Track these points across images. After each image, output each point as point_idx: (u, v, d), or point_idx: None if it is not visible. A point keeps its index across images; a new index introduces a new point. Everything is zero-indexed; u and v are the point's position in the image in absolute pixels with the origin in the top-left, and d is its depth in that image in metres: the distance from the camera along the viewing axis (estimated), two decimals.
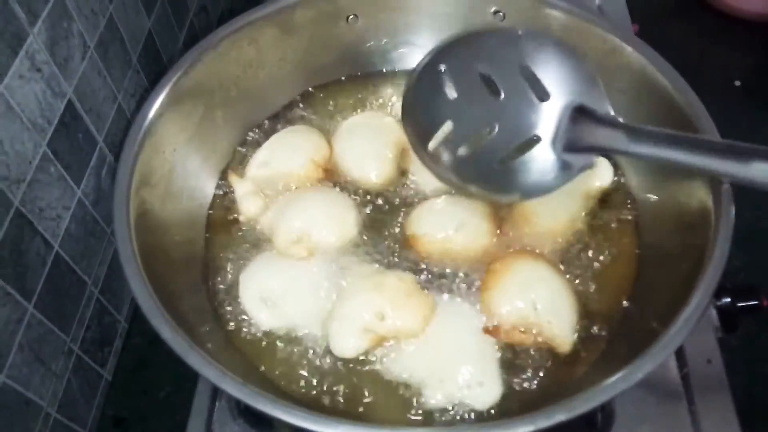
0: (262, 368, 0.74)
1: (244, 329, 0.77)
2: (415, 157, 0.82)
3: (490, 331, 0.74)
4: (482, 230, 0.81)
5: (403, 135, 0.90)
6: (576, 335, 0.74)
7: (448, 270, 0.80)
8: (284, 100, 0.97)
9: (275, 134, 0.92)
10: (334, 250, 0.81)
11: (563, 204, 0.83)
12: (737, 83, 1.36)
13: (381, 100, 0.98)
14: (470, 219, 0.81)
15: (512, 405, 0.70)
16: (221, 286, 0.81)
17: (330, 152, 0.91)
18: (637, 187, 0.86)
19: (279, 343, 0.76)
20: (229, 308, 0.79)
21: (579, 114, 0.70)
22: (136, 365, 1.02)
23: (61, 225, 0.87)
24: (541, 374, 0.72)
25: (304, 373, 0.74)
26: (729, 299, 0.83)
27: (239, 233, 0.85)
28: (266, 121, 0.96)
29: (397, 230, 0.83)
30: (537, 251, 0.81)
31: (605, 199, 0.86)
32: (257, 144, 0.93)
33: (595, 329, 0.75)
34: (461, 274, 0.79)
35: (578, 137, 0.69)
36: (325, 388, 0.73)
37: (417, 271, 0.80)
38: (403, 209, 0.86)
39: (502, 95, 0.73)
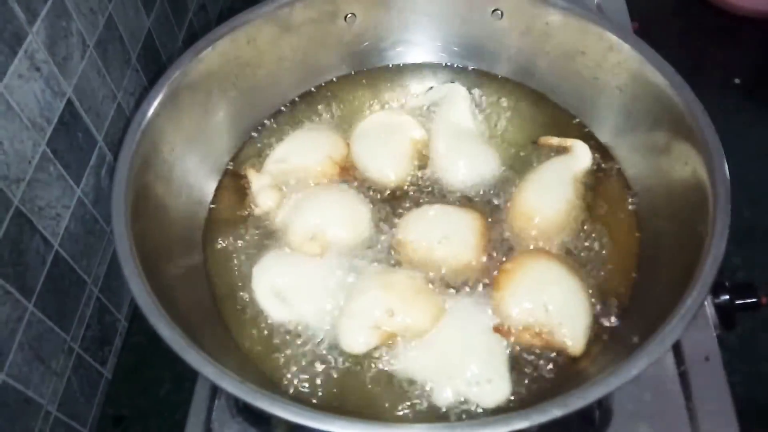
0: (265, 366, 0.74)
1: (247, 327, 0.78)
2: (433, 154, 0.85)
3: (501, 330, 0.74)
4: (467, 245, 0.80)
5: (419, 132, 0.92)
6: (587, 337, 0.74)
7: (479, 268, 0.80)
8: (284, 99, 0.97)
9: (293, 132, 0.93)
10: (347, 248, 0.82)
11: (558, 193, 0.83)
12: (737, 81, 1.36)
13: (383, 97, 0.98)
14: (456, 233, 0.81)
15: (521, 403, 0.70)
16: (222, 284, 0.81)
17: (347, 151, 0.92)
18: (633, 176, 0.86)
19: (287, 338, 0.76)
20: (230, 305, 0.79)
21: None
22: (137, 364, 1.02)
23: (61, 224, 0.87)
24: (551, 372, 0.73)
25: (313, 369, 0.74)
26: (727, 297, 0.83)
27: (240, 232, 0.85)
28: (266, 121, 0.96)
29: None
30: (547, 248, 0.81)
31: (602, 189, 0.86)
32: (258, 144, 0.94)
33: (601, 320, 0.76)
34: (474, 274, 0.79)
35: None
36: (333, 384, 0.73)
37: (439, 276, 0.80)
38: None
39: None
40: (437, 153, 0.91)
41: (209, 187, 0.89)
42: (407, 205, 0.87)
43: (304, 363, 0.74)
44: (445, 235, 0.80)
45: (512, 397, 0.71)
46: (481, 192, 0.87)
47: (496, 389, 0.71)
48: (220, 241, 0.84)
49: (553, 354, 0.74)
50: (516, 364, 0.73)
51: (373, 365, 0.74)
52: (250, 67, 0.88)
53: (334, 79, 0.99)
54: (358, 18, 0.93)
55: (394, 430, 0.62)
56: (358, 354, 0.74)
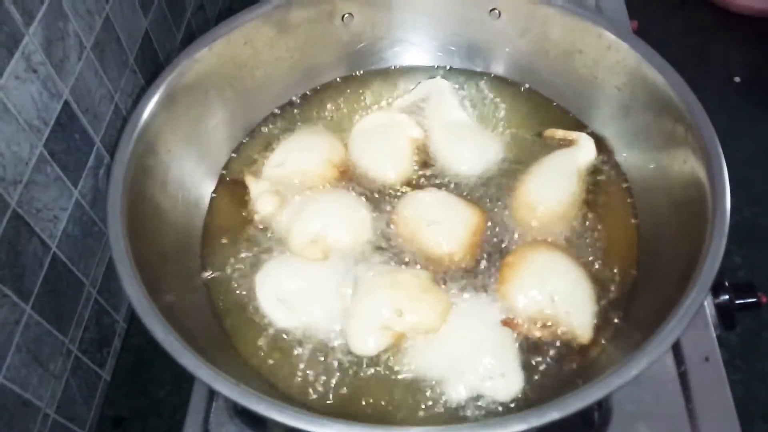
0: (272, 374, 0.74)
1: (251, 335, 0.77)
2: (434, 148, 0.87)
3: (509, 323, 0.74)
4: (454, 236, 0.80)
5: (416, 130, 0.92)
6: (594, 325, 0.74)
7: (463, 266, 0.80)
8: (281, 101, 0.96)
9: (290, 135, 0.93)
10: (350, 250, 0.81)
11: (562, 185, 0.84)
12: (737, 79, 1.36)
13: (380, 99, 0.98)
14: (448, 221, 0.81)
15: (535, 394, 0.71)
16: (222, 294, 0.80)
17: (345, 153, 0.92)
18: (632, 174, 0.86)
19: (294, 345, 0.76)
20: (232, 315, 0.79)
21: None
22: (135, 365, 1.02)
23: (59, 226, 0.87)
24: (562, 362, 0.73)
25: (323, 374, 0.74)
26: (727, 296, 0.83)
27: (239, 237, 0.84)
28: (263, 126, 0.95)
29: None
30: (549, 240, 0.81)
31: (602, 187, 0.86)
32: (257, 147, 0.93)
33: (607, 308, 0.76)
34: (477, 269, 0.80)
35: None
36: (344, 388, 0.73)
37: (431, 268, 0.80)
38: None
39: None
40: (437, 147, 0.91)
41: (206, 189, 0.88)
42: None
43: (313, 369, 0.74)
44: (435, 220, 0.81)
45: (525, 388, 0.71)
46: (490, 182, 0.88)
47: (510, 382, 0.71)
48: (219, 248, 0.84)
49: (563, 344, 0.74)
50: (526, 356, 0.73)
51: (384, 367, 0.74)
52: (247, 68, 0.88)
53: (333, 80, 0.98)
54: (356, 18, 0.92)
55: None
56: (368, 356, 0.74)
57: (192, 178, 0.84)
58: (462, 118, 0.93)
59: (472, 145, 0.90)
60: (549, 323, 0.74)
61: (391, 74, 0.99)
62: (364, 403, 0.72)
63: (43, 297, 0.83)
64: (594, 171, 0.87)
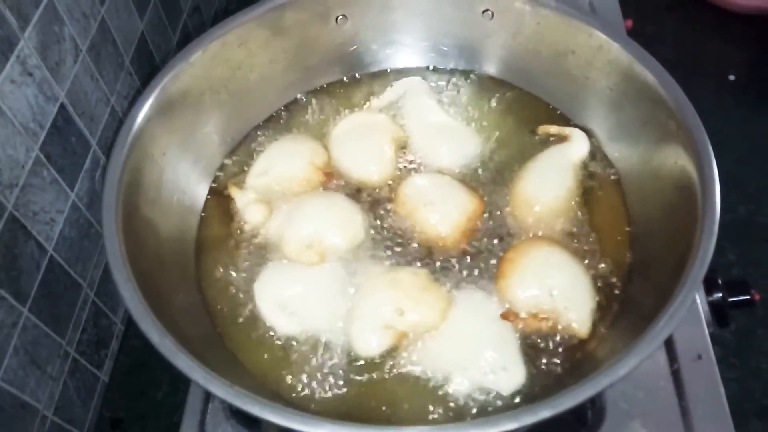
0: (277, 382, 0.74)
1: (253, 345, 0.77)
2: (414, 147, 0.89)
3: (508, 317, 0.75)
4: (448, 219, 0.82)
5: (398, 130, 0.93)
6: (592, 319, 0.75)
7: (461, 260, 0.81)
8: (276, 104, 0.96)
9: (271, 144, 0.93)
10: (344, 253, 0.82)
11: (557, 181, 0.85)
12: (731, 77, 1.36)
13: (372, 101, 0.98)
14: (444, 204, 0.83)
15: (537, 387, 0.72)
16: (220, 304, 0.80)
17: (328, 156, 0.92)
18: (624, 173, 0.87)
19: (298, 350, 0.76)
20: (231, 326, 0.79)
21: None
22: (133, 367, 1.02)
23: (55, 228, 0.87)
24: (561, 355, 0.74)
25: (329, 376, 0.74)
26: (720, 294, 0.83)
27: (233, 247, 0.84)
28: (259, 125, 0.96)
29: (401, 228, 0.84)
30: (546, 235, 0.82)
31: (593, 186, 0.87)
32: (250, 150, 0.93)
33: (604, 302, 0.77)
34: (475, 264, 0.80)
35: None
36: (350, 389, 0.73)
37: (428, 265, 0.81)
38: None
39: None
40: (416, 144, 0.93)
41: (201, 194, 0.88)
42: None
43: (315, 371, 0.74)
44: (431, 202, 0.83)
45: (526, 381, 0.72)
46: (475, 175, 0.89)
47: (512, 376, 0.72)
48: (214, 257, 0.84)
49: (563, 336, 0.75)
50: (527, 348, 0.74)
51: (387, 366, 0.74)
52: (242, 71, 0.88)
53: (327, 83, 0.99)
54: (349, 20, 0.93)
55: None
56: (372, 356, 0.75)
57: (187, 182, 0.85)
58: (438, 114, 0.94)
59: (449, 141, 0.92)
60: (548, 317, 0.75)
61: (384, 76, 1.00)
62: (368, 402, 0.72)
63: (41, 299, 0.83)
64: (586, 169, 0.88)
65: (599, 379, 0.56)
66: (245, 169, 0.91)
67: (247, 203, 0.86)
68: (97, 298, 0.98)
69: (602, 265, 0.79)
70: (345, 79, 0.99)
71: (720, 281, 0.85)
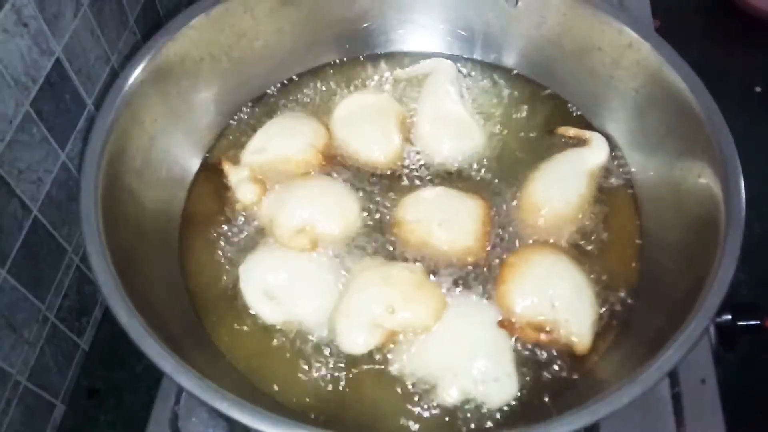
0: (253, 372, 0.71)
1: (232, 331, 0.74)
2: (419, 132, 0.85)
3: (506, 326, 0.72)
4: (467, 230, 0.78)
5: (402, 109, 0.90)
6: (593, 334, 0.72)
7: (479, 261, 0.78)
8: (279, 77, 0.93)
9: (271, 120, 0.89)
10: (338, 241, 0.79)
11: (571, 186, 0.81)
12: (758, 89, 1.31)
13: (376, 81, 0.94)
14: (457, 216, 0.79)
15: (528, 402, 0.69)
16: (202, 285, 0.77)
17: (329, 137, 0.88)
18: (642, 182, 0.83)
19: (279, 341, 0.73)
20: (211, 309, 0.76)
21: None
22: (115, 336, 0.98)
23: (42, 189, 0.84)
24: (558, 368, 0.71)
25: (310, 372, 0.71)
26: (729, 317, 0.80)
27: (222, 227, 0.81)
28: (260, 98, 0.92)
29: (420, 255, 0.80)
30: (552, 242, 0.79)
31: (608, 192, 0.84)
32: (248, 125, 0.90)
33: (607, 318, 0.74)
34: (476, 267, 0.77)
35: None
36: (332, 387, 0.71)
37: (425, 261, 0.78)
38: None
39: None
40: (421, 131, 0.89)
41: (191, 168, 0.85)
42: (401, 185, 0.85)
43: (299, 366, 0.71)
44: (445, 218, 0.78)
45: (519, 394, 0.69)
46: (479, 172, 0.86)
47: (503, 388, 0.69)
48: (199, 236, 0.80)
49: (559, 351, 0.72)
50: (522, 360, 0.71)
51: (373, 365, 0.72)
52: (246, 38, 0.84)
53: (332, 60, 0.95)
54: None
55: None
56: (357, 354, 0.72)
57: (177, 153, 0.81)
58: (455, 104, 0.90)
59: (455, 134, 0.88)
60: (547, 329, 0.72)
61: (394, 58, 0.96)
62: (350, 403, 0.70)
63: (21, 261, 0.80)
64: (603, 176, 0.84)
65: (599, 406, 0.52)
66: (241, 144, 0.87)
67: (240, 180, 0.82)
68: (82, 264, 0.95)
69: (608, 279, 0.76)
70: (354, 57, 0.95)
71: (730, 302, 0.81)
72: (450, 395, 0.69)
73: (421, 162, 0.87)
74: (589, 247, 0.79)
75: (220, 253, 0.79)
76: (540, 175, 0.83)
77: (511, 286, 0.73)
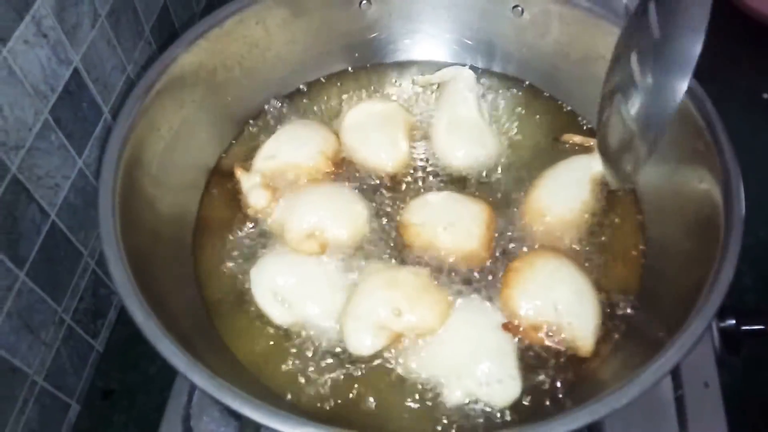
0: (264, 372, 0.73)
1: (244, 333, 0.76)
2: (434, 137, 0.88)
3: (509, 328, 0.73)
4: (471, 235, 0.79)
5: (410, 117, 0.91)
6: (596, 337, 0.73)
7: (484, 264, 0.79)
8: (290, 86, 0.95)
9: (282, 127, 0.91)
10: (346, 246, 0.80)
11: (574, 192, 0.83)
12: (765, 95, 1.31)
13: (386, 91, 0.96)
14: (462, 221, 0.80)
15: (531, 403, 0.70)
16: (214, 288, 0.79)
17: (338, 145, 0.90)
18: (643, 188, 0.84)
19: (289, 342, 0.75)
20: (224, 311, 0.78)
21: None
22: (130, 338, 1.01)
23: (60, 194, 0.86)
24: (560, 371, 0.72)
25: (318, 372, 0.72)
26: (733, 321, 0.80)
27: (234, 232, 0.83)
28: (269, 108, 0.94)
29: (425, 259, 0.81)
30: (556, 247, 0.80)
31: (611, 198, 0.85)
32: (260, 132, 0.92)
33: (609, 321, 0.75)
34: (480, 271, 0.78)
35: None
36: (339, 387, 0.72)
37: (429, 266, 0.79)
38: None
39: None
40: (438, 136, 0.90)
41: (204, 172, 0.87)
42: (409, 190, 0.86)
43: (308, 367, 0.73)
44: (450, 222, 0.79)
45: (522, 396, 0.70)
46: (486, 179, 0.88)
47: (507, 389, 0.70)
48: (212, 239, 0.82)
49: (562, 353, 0.73)
50: (525, 362, 0.72)
51: (380, 366, 0.73)
52: (258, 49, 0.86)
53: (343, 70, 0.97)
54: (374, 4, 0.90)
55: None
56: (364, 356, 0.73)
57: (191, 160, 0.83)
58: (471, 111, 0.91)
59: (469, 141, 0.89)
60: (550, 332, 0.73)
61: (401, 66, 0.97)
62: (357, 403, 0.71)
63: (39, 264, 0.82)
64: (605, 184, 0.85)
65: (598, 407, 0.53)
66: (253, 151, 0.89)
67: (252, 186, 0.84)
68: (98, 267, 0.97)
69: (610, 283, 0.77)
70: (362, 66, 0.97)
71: (734, 306, 0.82)
72: (455, 396, 0.70)
73: (429, 168, 0.89)
74: (592, 252, 0.80)
75: (233, 255, 0.81)
76: (544, 182, 0.84)
77: (515, 290, 0.74)
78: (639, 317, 0.74)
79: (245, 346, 0.74)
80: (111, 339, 1.01)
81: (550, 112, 0.93)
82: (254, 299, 0.77)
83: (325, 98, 0.95)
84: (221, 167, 0.88)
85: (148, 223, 0.73)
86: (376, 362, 0.73)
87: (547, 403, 0.70)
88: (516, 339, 0.73)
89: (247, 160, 0.89)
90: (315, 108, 0.95)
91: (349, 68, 0.97)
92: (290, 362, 0.73)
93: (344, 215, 0.81)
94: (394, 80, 0.97)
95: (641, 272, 0.78)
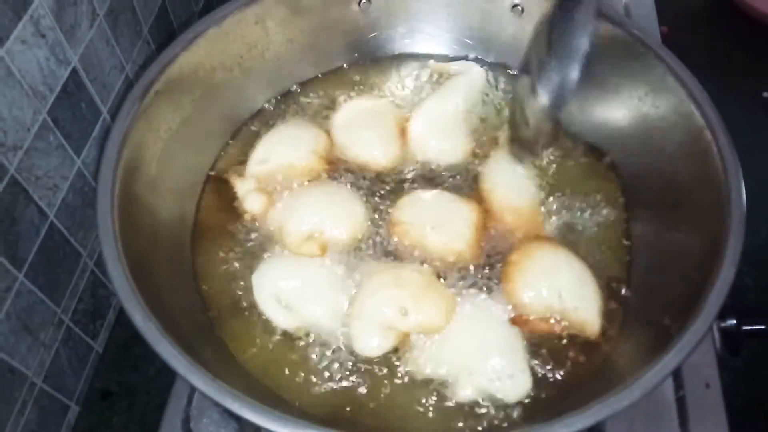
0: (270, 378, 0.72)
1: (246, 338, 0.75)
2: (413, 126, 0.88)
3: (517, 321, 0.73)
4: (460, 235, 0.79)
5: (401, 113, 0.91)
6: (601, 319, 0.74)
7: (472, 264, 0.79)
8: (287, 86, 0.94)
9: (271, 130, 0.90)
10: (346, 245, 0.80)
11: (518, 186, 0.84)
12: (765, 95, 1.31)
13: (385, 89, 0.95)
14: (451, 221, 0.80)
15: (543, 395, 0.70)
16: (210, 277, 0.78)
17: (330, 142, 0.89)
18: (641, 188, 0.84)
19: (295, 346, 0.74)
20: (226, 317, 0.77)
21: None
22: (129, 339, 1.01)
23: (58, 195, 0.86)
24: (570, 360, 0.72)
25: (326, 375, 0.72)
26: (734, 321, 0.80)
27: (232, 237, 0.83)
28: (269, 106, 0.94)
29: (412, 256, 0.81)
30: (546, 236, 0.80)
31: (606, 199, 0.85)
32: (254, 134, 0.91)
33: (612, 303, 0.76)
34: (479, 268, 0.78)
35: None
36: (348, 389, 0.71)
37: (431, 262, 0.79)
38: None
39: None
40: (415, 126, 0.90)
41: (203, 174, 0.86)
42: (404, 187, 0.86)
43: (313, 370, 0.72)
44: (439, 222, 0.79)
45: (535, 391, 0.71)
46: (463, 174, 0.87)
47: (518, 384, 0.70)
48: (211, 244, 0.82)
49: (571, 342, 0.73)
50: (533, 356, 0.72)
51: (387, 367, 0.73)
52: (257, 49, 0.86)
53: (340, 67, 0.96)
54: (373, 4, 0.90)
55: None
56: (372, 357, 0.73)
57: (190, 161, 0.83)
58: (455, 105, 0.91)
59: (440, 135, 0.89)
60: (557, 319, 0.73)
61: (398, 60, 0.97)
62: (365, 404, 0.71)
63: (38, 265, 0.82)
64: (603, 180, 0.85)
65: (599, 408, 0.53)
66: (246, 153, 0.89)
67: (247, 192, 0.84)
68: (97, 268, 0.97)
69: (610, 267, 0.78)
70: (363, 64, 0.96)
71: (735, 306, 0.81)
72: (465, 393, 0.70)
73: (419, 164, 0.89)
74: (586, 254, 0.80)
75: (233, 256, 0.80)
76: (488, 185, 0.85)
77: (517, 283, 0.75)
78: (638, 300, 0.74)
79: (247, 350, 0.74)
80: (110, 340, 1.01)
81: None
82: (257, 304, 0.76)
83: (324, 97, 0.95)
84: (219, 168, 0.88)
85: (147, 224, 0.72)
86: (383, 363, 0.73)
87: (557, 395, 0.70)
88: (523, 332, 0.73)
89: (244, 162, 0.88)
90: (313, 107, 0.94)
91: (347, 66, 0.97)
92: (295, 366, 0.73)
93: (342, 215, 0.81)
94: (394, 79, 0.96)
95: (641, 271, 0.78)
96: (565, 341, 0.73)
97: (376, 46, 0.96)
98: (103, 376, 0.98)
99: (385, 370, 0.72)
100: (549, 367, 0.72)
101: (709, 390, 0.75)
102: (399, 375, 0.72)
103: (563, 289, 0.73)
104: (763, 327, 0.79)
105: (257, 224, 0.83)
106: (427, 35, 0.95)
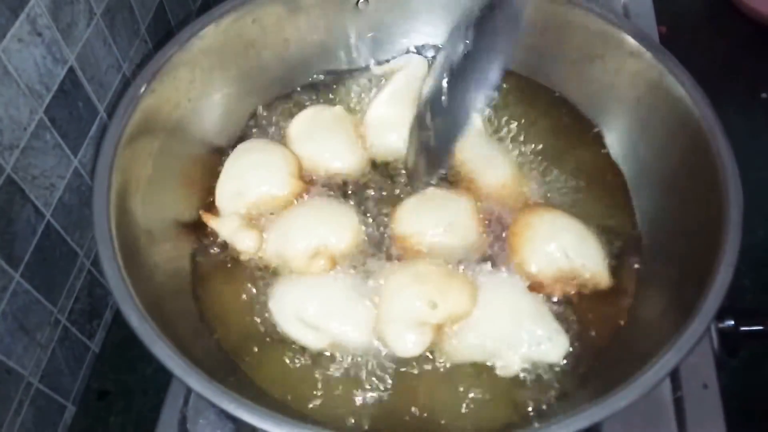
0: (309, 404, 0.70)
1: (273, 366, 0.74)
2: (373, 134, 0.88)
3: (536, 288, 0.75)
4: (470, 228, 0.80)
5: (356, 120, 0.90)
6: (609, 268, 0.76)
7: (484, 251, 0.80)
8: (287, 87, 0.93)
9: (230, 157, 0.85)
10: (351, 255, 0.79)
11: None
12: (764, 95, 1.31)
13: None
14: (458, 218, 0.80)
15: (582, 350, 0.72)
16: (229, 330, 0.76)
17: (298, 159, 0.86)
18: (640, 189, 0.84)
19: (327, 364, 0.73)
20: (246, 352, 0.75)
21: None
22: (126, 339, 1.00)
23: (55, 194, 0.85)
24: (595, 313, 0.74)
25: (367, 385, 0.71)
26: (732, 322, 0.80)
27: (236, 273, 0.81)
28: (265, 107, 0.93)
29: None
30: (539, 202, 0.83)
31: (606, 199, 0.85)
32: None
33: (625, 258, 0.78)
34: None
35: None
36: (394, 393, 0.71)
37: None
38: (402, 196, 0.85)
39: None
40: (366, 121, 0.89)
41: (203, 175, 0.86)
42: (386, 185, 0.86)
43: (352, 384, 0.71)
44: (449, 222, 0.79)
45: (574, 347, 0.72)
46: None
47: (557, 344, 0.71)
48: (216, 288, 0.79)
49: (590, 296, 0.75)
50: (560, 317, 0.74)
51: (427, 364, 0.72)
52: (254, 48, 0.86)
53: (337, 69, 0.96)
54: (371, 3, 0.90)
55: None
56: (413, 356, 0.72)
57: (187, 160, 0.82)
58: (405, 99, 0.89)
59: (402, 127, 0.86)
60: (570, 278, 0.75)
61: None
62: (406, 407, 0.70)
63: (34, 265, 0.82)
64: (602, 181, 0.85)
65: (596, 410, 0.53)
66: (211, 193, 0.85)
67: (232, 232, 0.80)
68: (93, 268, 0.96)
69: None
70: (360, 65, 0.96)
71: (733, 307, 0.81)
72: (512, 367, 0.71)
73: (389, 162, 0.88)
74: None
75: (233, 255, 0.80)
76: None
77: (525, 252, 0.76)
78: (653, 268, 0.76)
79: (262, 370, 0.72)
80: (107, 340, 1.01)
81: (548, 110, 0.92)
82: (283, 331, 0.74)
83: (321, 99, 0.94)
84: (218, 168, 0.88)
85: (144, 224, 0.72)
86: (423, 361, 0.72)
87: (595, 343, 0.72)
88: (545, 295, 0.75)
89: (203, 213, 0.84)
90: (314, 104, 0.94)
91: (341, 69, 0.96)
92: (333, 383, 0.72)
93: (339, 224, 0.79)
94: (341, 88, 0.95)
95: (640, 268, 0.78)
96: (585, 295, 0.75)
97: (377, 46, 0.95)
98: (99, 376, 0.97)
99: (424, 369, 0.72)
100: (577, 324, 0.74)
101: (707, 391, 0.75)
102: (441, 370, 0.72)
103: (569, 248, 0.75)
104: (761, 328, 0.79)
105: (257, 259, 0.80)
106: (425, 35, 0.94)
